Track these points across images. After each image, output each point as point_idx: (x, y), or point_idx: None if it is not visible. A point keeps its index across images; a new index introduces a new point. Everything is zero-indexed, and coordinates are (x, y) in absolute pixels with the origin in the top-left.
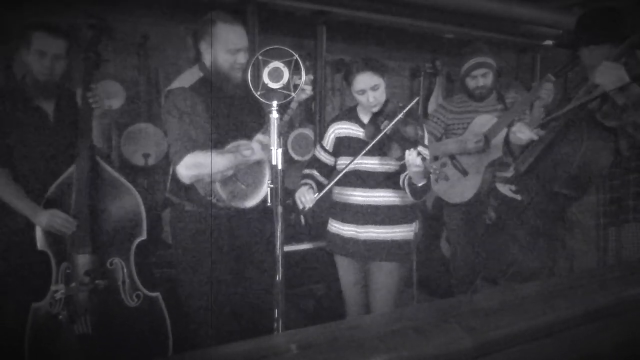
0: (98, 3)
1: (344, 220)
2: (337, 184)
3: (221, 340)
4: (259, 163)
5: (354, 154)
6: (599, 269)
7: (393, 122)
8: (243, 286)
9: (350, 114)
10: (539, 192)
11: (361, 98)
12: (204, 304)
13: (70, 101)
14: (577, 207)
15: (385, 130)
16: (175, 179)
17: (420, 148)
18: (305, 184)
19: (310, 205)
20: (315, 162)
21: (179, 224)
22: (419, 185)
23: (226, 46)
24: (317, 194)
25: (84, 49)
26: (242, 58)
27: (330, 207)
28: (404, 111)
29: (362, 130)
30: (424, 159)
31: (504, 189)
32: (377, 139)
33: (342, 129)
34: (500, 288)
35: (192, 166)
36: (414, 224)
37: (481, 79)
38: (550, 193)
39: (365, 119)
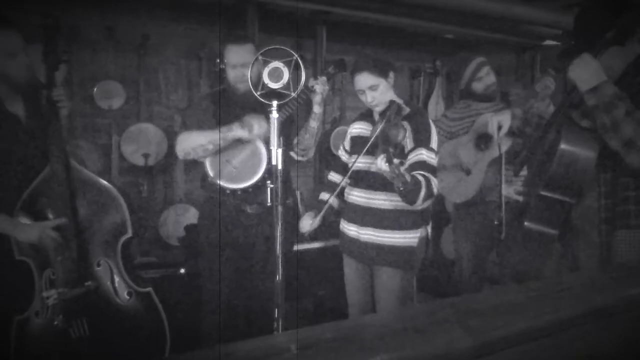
0: (99, 3)
1: (348, 219)
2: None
3: (224, 340)
4: (246, 146)
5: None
6: (599, 269)
7: (381, 124)
8: (246, 285)
9: (366, 114)
10: (533, 195)
11: (362, 97)
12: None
13: (39, 103)
14: (579, 213)
15: (376, 132)
16: (205, 176)
17: (421, 151)
18: (320, 202)
19: (308, 230)
20: (337, 162)
21: (214, 216)
22: (400, 189)
23: (230, 62)
24: (317, 217)
25: (42, 50)
26: (245, 72)
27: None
28: (385, 118)
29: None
30: (390, 162)
31: (509, 190)
32: (371, 141)
33: (357, 128)
34: (501, 288)
35: (180, 142)
36: (419, 230)
37: (487, 77)
38: (539, 196)
39: (377, 115)
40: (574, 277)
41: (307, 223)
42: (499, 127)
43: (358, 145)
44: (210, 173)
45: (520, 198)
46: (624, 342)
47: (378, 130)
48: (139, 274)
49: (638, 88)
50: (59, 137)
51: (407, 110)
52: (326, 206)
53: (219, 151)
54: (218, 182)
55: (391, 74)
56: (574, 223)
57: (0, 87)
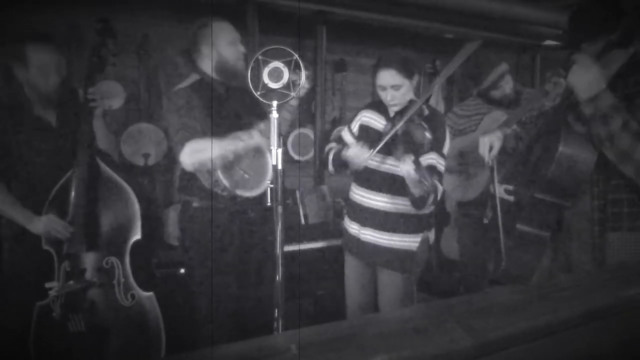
0: (99, 3)
1: (351, 217)
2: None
3: (222, 340)
4: (261, 153)
5: (371, 145)
6: (599, 269)
7: (402, 122)
8: (246, 286)
9: (379, 104)
10: (526, 197)
11: (381, 94)
12: (208, 304)
13: (74, 102)
14: (572, 214)
15: (396, 129)
16: (185, 176)
17: (432, 155)
18: (338, 130)
19: (365, 163)
20: (339, 141)
21: (190, 221)
22: (416, 195)
23: (227, 39)
24: (371, 150)
25: (88, 52)
26: (241, 48)
27: (346, 203)
28: (411, 112)
29: (384, 123)
30: (418, 167)
31: (500, 190)
32: (389, 136)
33: (367, 117)
34: (501, 288)
35: (193, 152)
36: (420, 235)
37: (506, 86)
38: (533, 198)
39: (393, 113)
40: (573, 278)
41: (363, 158)
42: (490, 148)
43: (366, 135)
44: (226, 183)
45: (512, 198)
46: (624, 343)
47: (397, 128)
48: (153, 274)
49: (633, 89)
50: (89, 134)
51: (426, 111)
52: (377, 148)
53: (209, 159)
54: (236, 192)
55: (416, 76)
56: (566, 224)
57: (32, 94)
